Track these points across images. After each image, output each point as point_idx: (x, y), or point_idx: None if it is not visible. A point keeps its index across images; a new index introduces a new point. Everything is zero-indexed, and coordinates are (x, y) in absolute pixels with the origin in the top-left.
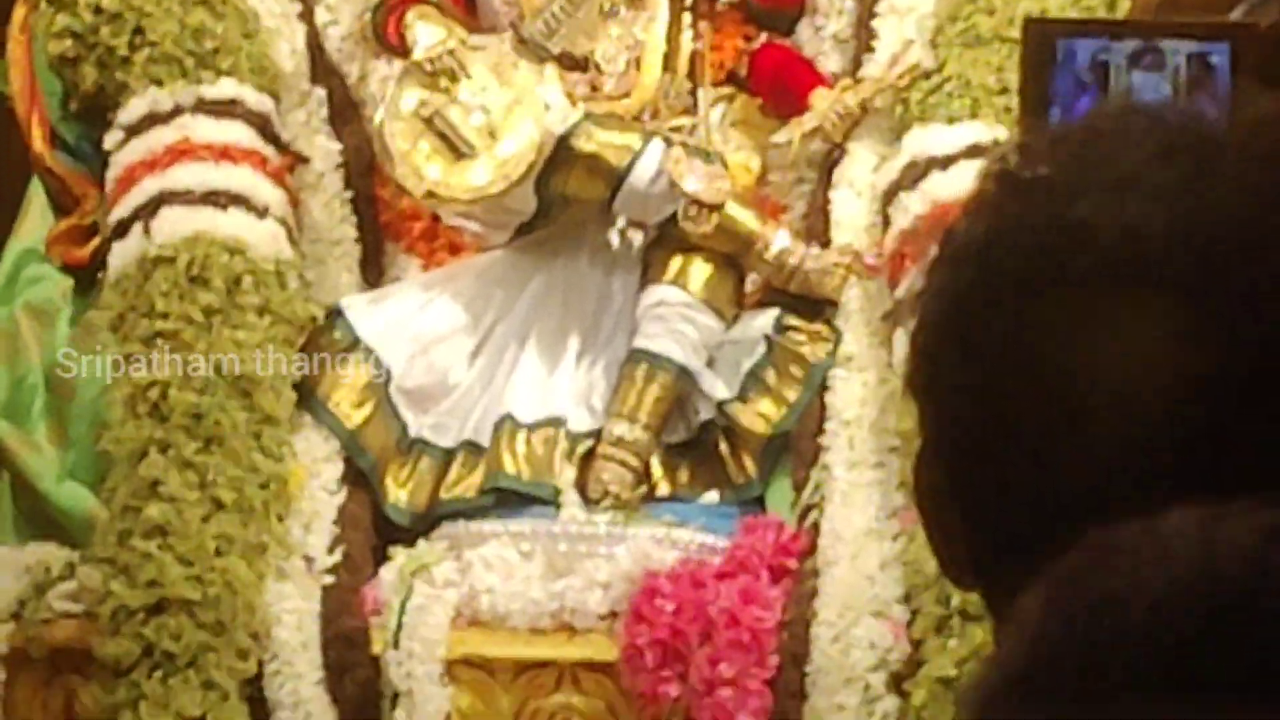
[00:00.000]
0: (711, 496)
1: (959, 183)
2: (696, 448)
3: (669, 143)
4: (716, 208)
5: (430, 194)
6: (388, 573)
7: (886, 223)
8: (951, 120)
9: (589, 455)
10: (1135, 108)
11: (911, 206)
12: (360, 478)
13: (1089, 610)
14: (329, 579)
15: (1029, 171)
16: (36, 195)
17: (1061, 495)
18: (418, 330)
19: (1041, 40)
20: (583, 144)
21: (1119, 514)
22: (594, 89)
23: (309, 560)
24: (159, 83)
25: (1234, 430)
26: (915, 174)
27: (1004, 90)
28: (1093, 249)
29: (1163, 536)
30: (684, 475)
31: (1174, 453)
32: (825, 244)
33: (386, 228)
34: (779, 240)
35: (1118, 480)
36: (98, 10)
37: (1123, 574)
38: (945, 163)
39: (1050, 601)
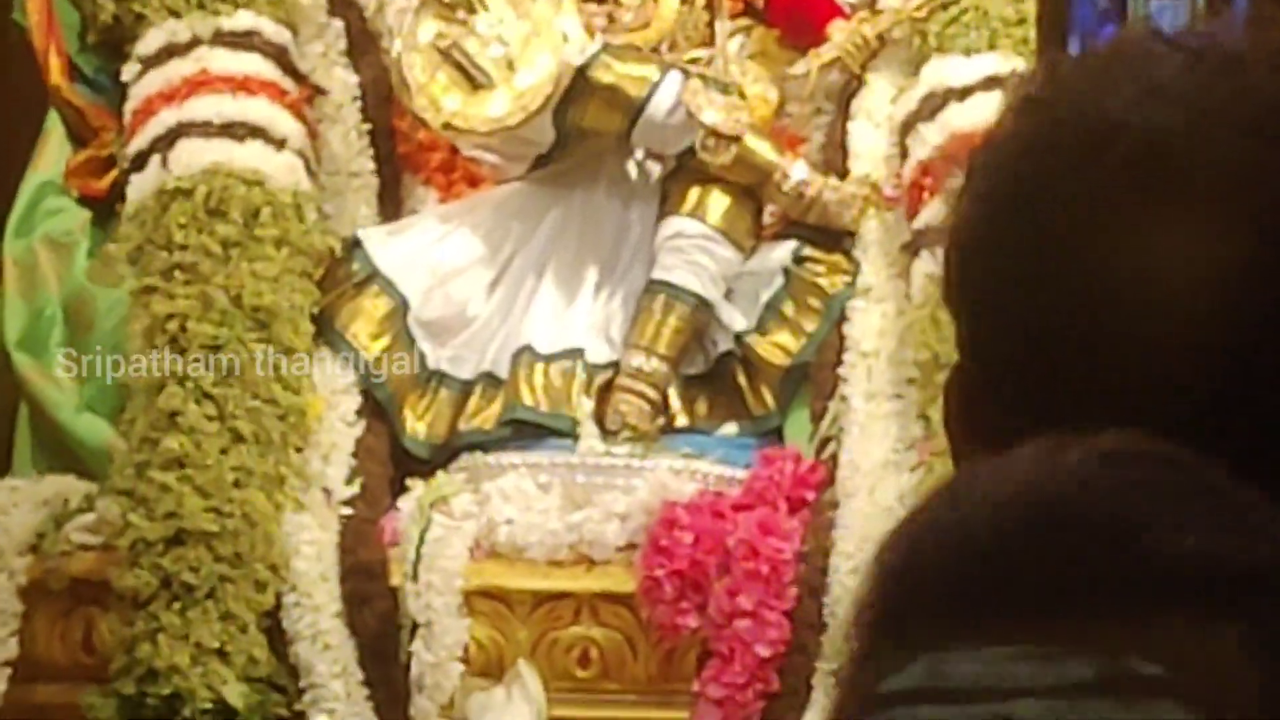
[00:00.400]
0: (730, 428)
1: (977, 113)
2: (714, 379)
3: (687, 74)
4: (734, 139)
5: (448, 125)
6: (406, 504)
7: (904, 154)
8: (969, 51)
9: (607, 387)
10: (1157, 31)
11: (929, 137)
12: (378, 409)
13: (921, 535)
14: (347, 510)
15: (1055, 85)
16: (54, 127)
17: (1097, 393)
18: (436, 262)
19: None
20: (600, 75)
21: (1151, 415)
22: (611, 20)
23: (327, 492)
24: (176, 14)
25: (1265, 324)
26: (933, 105)
27: (1021, 21)
28: (1119, 149)
29: (1008, 462)
30: (702, 407)
31: (1206, 346)
32: (843, 175)
33: (404, 159)
34: (797, 171)
35: (1153, 377)
36: None
37: (960, 499)
38: (963, 94)
39: (898, 529)
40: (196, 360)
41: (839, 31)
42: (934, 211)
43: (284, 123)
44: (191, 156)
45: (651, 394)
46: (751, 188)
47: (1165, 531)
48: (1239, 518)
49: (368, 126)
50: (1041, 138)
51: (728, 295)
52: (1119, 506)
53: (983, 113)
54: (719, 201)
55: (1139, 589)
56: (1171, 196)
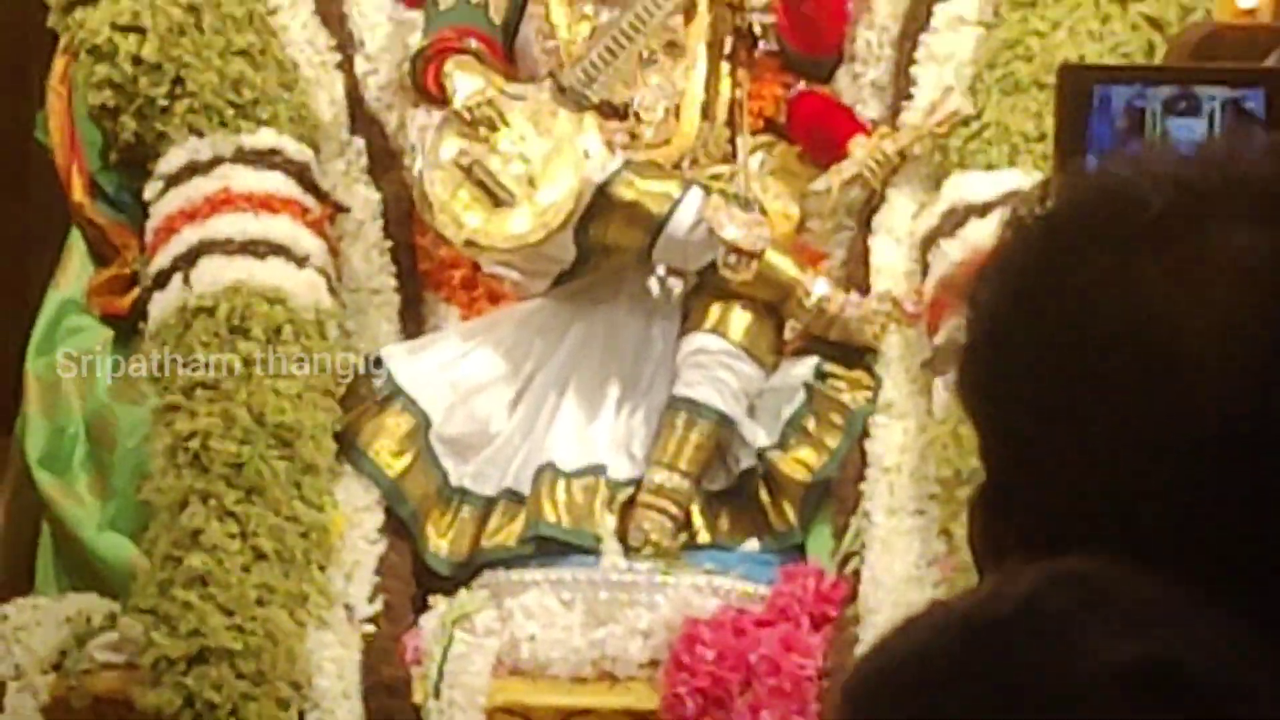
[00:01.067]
0: (752, 544)
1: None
2: (737, 495)
3: (708, 190)
4: (756, 255)
5: (470, 242)
6: (428, 621)
7: (925, 269)
8: (990, 167)
9: (629, 503)
10: (1174, 143)
11: (951, 253)
12: (401, 527)
13: (875, 661)
14: (370, 628)
15: (1062, 189)
16: (76, 245)
17: (1143, 449)
18: (458, 379)
19: (1077, 86)
20: (622, 192)
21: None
22: (633, 137)
23: (350, 609)
24: (199, 132)
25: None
26: (954, 221)
27: (1042, 137)
28: (1146, 204)
29: (970, 591)
30: (724, 523)
31: (1245, 387)
32: (865, 291)
33: (426, 276)
34: (818, 287)
35: (1196, 430)
36: (137, 61)
37: (912, 627)
38: (984, 209)
39: (864, 656)
40: (219, 478)
41: (860, 148)
42: (955, 327)
43: (306, 240)
44: (213, 274)
45: (674, 510)
46: (773, 304)
47: (1097, 640)
48: (1163, 623)
49: (389, 243)
50: (1067, 201)
51: (750, 411)
52: (1053, 624)
53: None
54: (740, 318)
55: (1071, 697)
56: (1198, 244)
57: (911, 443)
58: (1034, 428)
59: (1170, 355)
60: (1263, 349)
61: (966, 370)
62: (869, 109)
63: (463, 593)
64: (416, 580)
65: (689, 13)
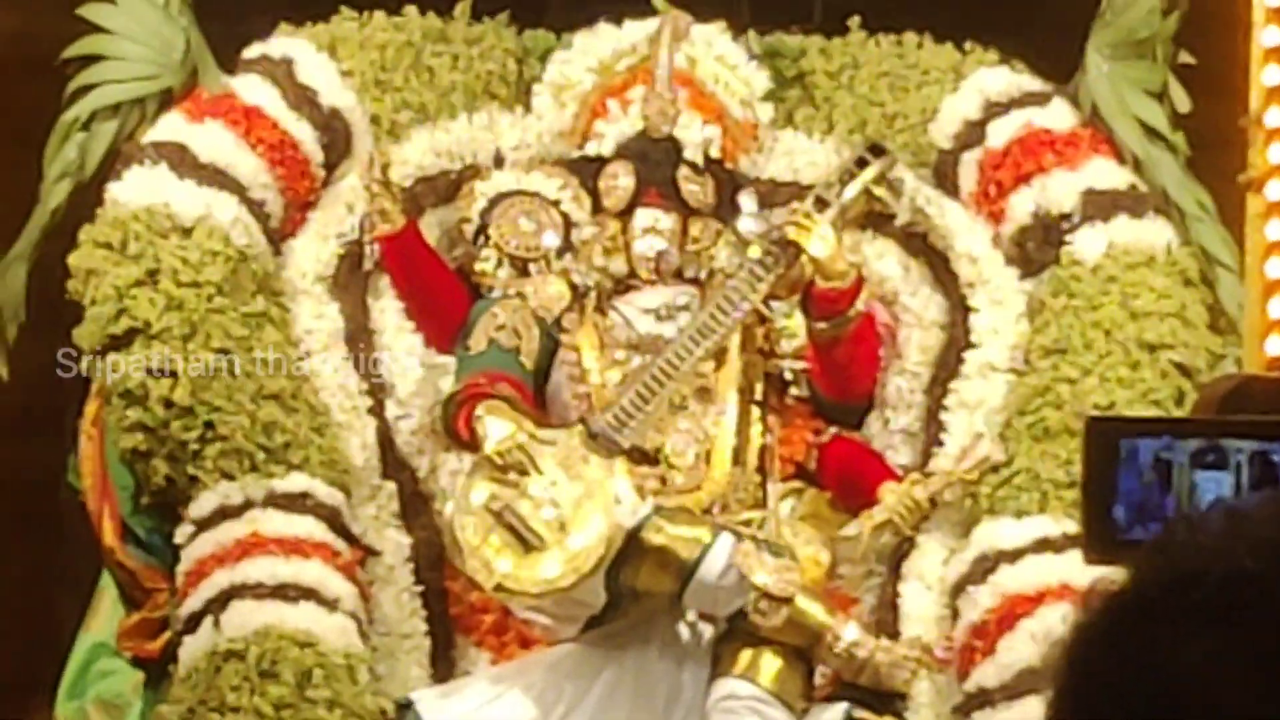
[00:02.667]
0: None
1: (1028, 576)
2: None
3: (739, 536)
4: (786, 601)
5: (500, 587)
6: None
7: (956, 615)
8: (1020, 514)
9: None
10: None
11: (981, 600)
12: None
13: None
14: None
15: (1140, 563)
16: (107, 588)
17: None
18: None
19: (1103, 439)
20: (652, 537)
21: None
22: (663, 483)
23: None
24: (230, 476)
25: None
26: (985, 567)
27: (1073, 484)
28: (1206, 587)
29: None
30: None
31: None
32: (895, 637)
33: (457, 621)
34: (848, 633)
35: None
36: (169, 405)
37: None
38: (1014, 556)
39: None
40: None
41: (890, 494)
42: (985, 673)
43: (336, 584)
44: (244, 618)
45: None
46: (803, 649)
47: None
48: None
49: (420, 588)
50: (1142, 583)
51: None
52: None
53: (1033, 575)
54: (770, 663)
55: None
56: (1256, 631)
57: None
58: None
59: None
60: None
61: None
62: (900, 455)
63: None
64: None
65: (720, 359)
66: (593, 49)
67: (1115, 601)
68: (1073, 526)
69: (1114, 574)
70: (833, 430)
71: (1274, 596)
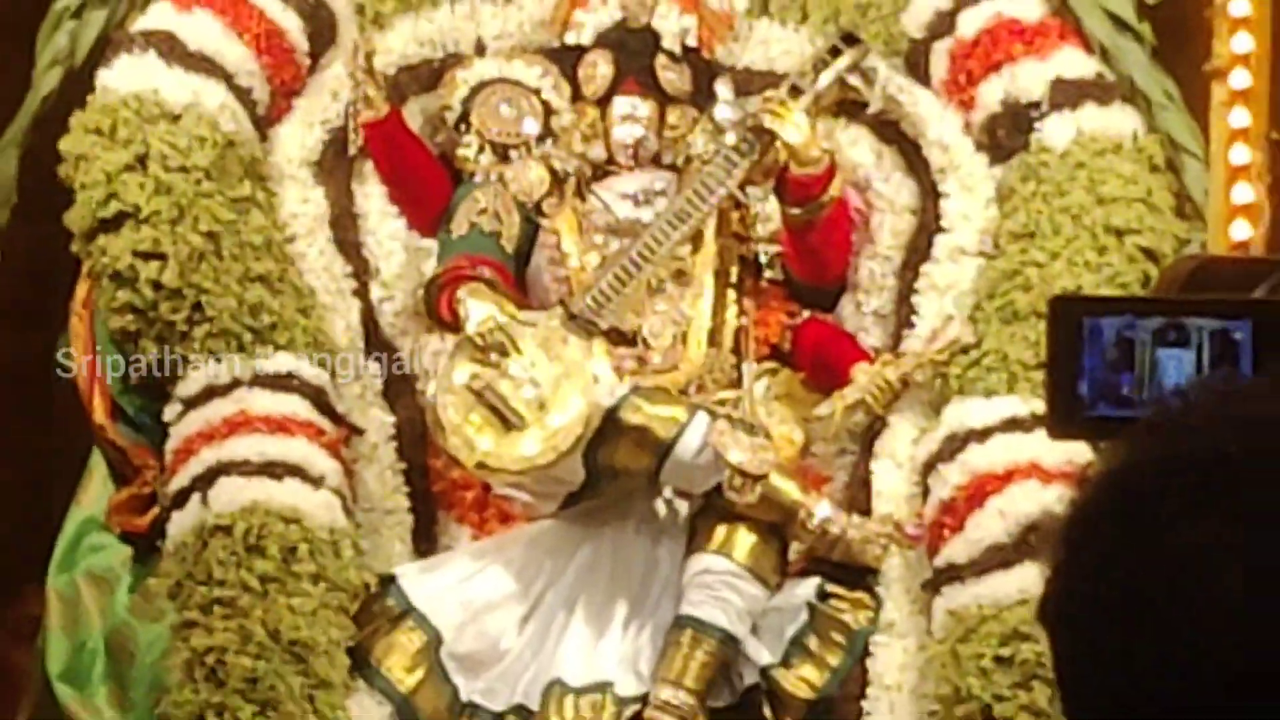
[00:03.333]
0: None
1: (997, 455)
2: (741, 712)
3: (714, 415)
4: (760, 478)
5: (481, 464)
6: None
7: (926, 493)
8: (989, 394)
9: (636, 719)
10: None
11: (950, 478)
12: None
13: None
14: None
15: (1126, 446)
16: (97, 465)
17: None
18: (469, 597)
19: (1067, 318)
20: (630, 416)
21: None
22: (641, 363)
23: None
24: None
25: None
26: (954, 446)
27: (1040, 365)
28: (1198, 469)
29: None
30: None
31: None
32: (866, 514)
33: (439, 497)
34: (821, 510)
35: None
36: (157, 286)
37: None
38: (983, 435)
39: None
40: (235, 692)
41: (862, 374)
42: (955, 549)
43: (321, 462)
44: (231, 495)
45: None
46: (777, 525)
47: None
48: None
49: (403, 465)
50: (1134, 466)
51: (754, 630)
52: None
53: (1002, 453)
54: (745, 539)
55: None
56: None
57: (911, 661)
58: (1097, 659)
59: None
60: None
61: (1051, 602)
62: (871, 337)
63: None
64: None
65: (696, 242)
66: None
67: (1109, 480)
68: (1040, 406)
69: (1092, 453)
70: (806, 313)
71: (1262, 479)
